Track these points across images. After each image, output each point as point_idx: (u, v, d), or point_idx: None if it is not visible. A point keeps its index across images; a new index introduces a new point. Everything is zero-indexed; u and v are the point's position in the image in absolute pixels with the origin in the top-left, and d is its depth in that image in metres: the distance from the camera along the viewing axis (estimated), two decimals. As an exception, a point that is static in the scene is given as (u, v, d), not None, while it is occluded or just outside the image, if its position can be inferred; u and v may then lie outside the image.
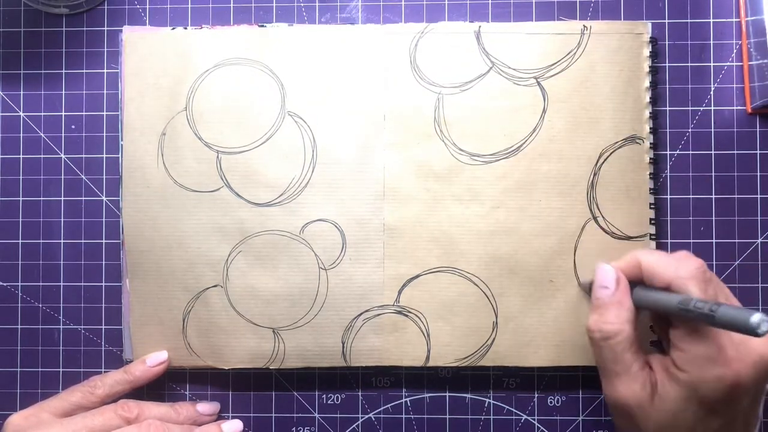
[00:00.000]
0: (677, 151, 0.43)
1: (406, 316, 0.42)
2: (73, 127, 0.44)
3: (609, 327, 0.36)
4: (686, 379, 0.34)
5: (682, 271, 0.34)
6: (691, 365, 0.34)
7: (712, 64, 0.43)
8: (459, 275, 0.42)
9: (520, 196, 0.42)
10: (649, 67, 0.42)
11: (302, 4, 0.44)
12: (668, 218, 0.43)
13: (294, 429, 0.44)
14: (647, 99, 0.42)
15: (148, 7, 0.44)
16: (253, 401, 0.44)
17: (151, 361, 0.42)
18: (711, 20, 0.44)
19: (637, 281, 0.37)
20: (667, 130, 0.43)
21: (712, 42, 0.43)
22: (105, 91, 0.44)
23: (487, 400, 0.44)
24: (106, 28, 0.44)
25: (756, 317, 0.29)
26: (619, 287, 0.37)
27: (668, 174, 0.43)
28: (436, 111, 0.42)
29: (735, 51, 0.43)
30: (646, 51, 0.42)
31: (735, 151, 0.43)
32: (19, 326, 0.44)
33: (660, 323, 0.39)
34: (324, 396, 0.44)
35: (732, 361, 0.33)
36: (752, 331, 0.29)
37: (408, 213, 0.42)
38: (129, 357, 0.43)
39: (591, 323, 0.37)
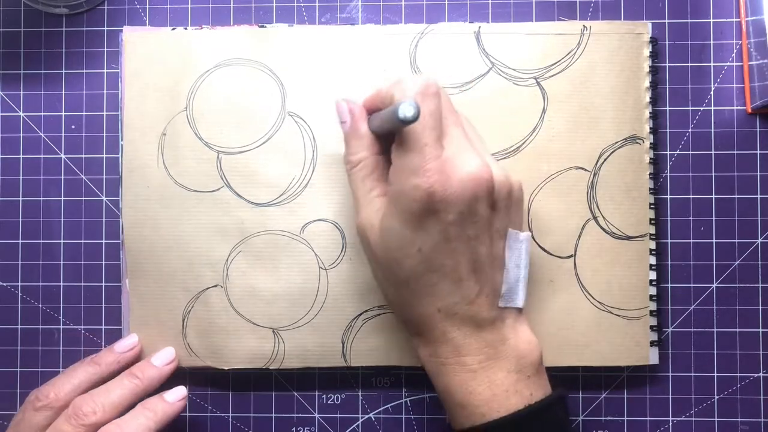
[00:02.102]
0: (677, 151, 0.43)
1: (406, 316, 0.42)
2: (73, 127, 0.44)
3: (353, 157, 0.36)
4: (392, 191, 0.34)
5: (405, 86, 0.34)
6: (396, 176, 0.34)
7: (712, 64, 0.43)
8: (459, 275, 0.42)
9: (520, 196, 0.42)
10: (649, 67, 0.42)
11: (302, 4, 0.44)
12: (668, 218, 0.43)
13: (294, 429, 0.44)
14: (647, 99, 0.42)
15: (148, 7, 0.44)
16: (253, 401, 0.44)
17: (159, 360, 0.41)
18: (711, 20, 0.44)
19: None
20: (667, 130, 0.43)
21: (712, 42, 0.43)
22: (105, 91, 0.44)
23: (487, 400, 0.44)
24: (106, 28, 0.44)
25: (403, 104, 0.30)
26: (354, 117, 0.37)
27: (668, 174, 0.43)
28: (436, 111, 0.42)
29: (735, 51, 0.43)
30: (646, 51, 0.42)
31: (735, 151, 0.43)
32: (19, 326, 0.44)
33: None
34: (324, 396, 0.44)
35: (431, 172, 0.32)
36: (398, 117, 0.30)
37: (408, 213, 0.42)
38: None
39: (343, 158, 0.37)
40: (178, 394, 0.40)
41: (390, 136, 0.35)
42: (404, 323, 0.37)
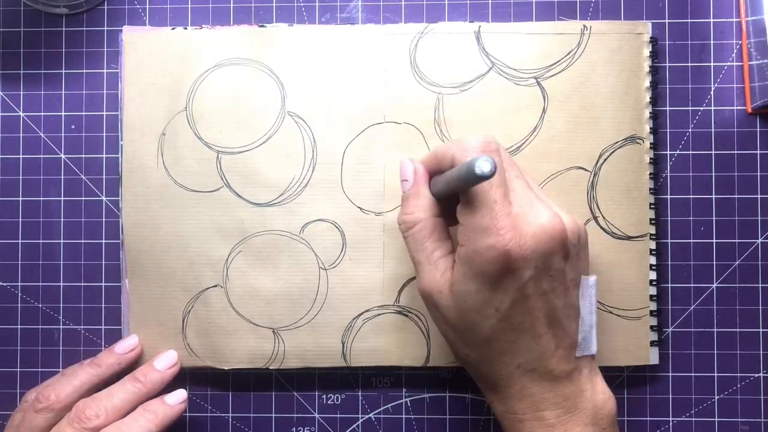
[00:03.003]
0: (677, 151, 0.43)
1: (406, 316, 0.42)
2: (73, 127, 0.44)
3: (409, 217, 0.36)
4: (463, 253, 0.33)
5: (465, 144, 0.34)
6: (467, 238, 0.33)
7: (712, 64, 0.43)
8: (459, 275, 0.42)
9: (520, 196, 0.42)
10: (649, 67, 0.42)
11: (302, 4, 0.44)
12: (668, 218, 0.43)
13: (294, 429, 0.44)
14: (647, 99, 0.42)
15: (148, 7, 0.44)
16: (253, 401, 0.44)
17: (162, 364, 0.41)
18: (711, 20, 0.44)
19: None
20: (667, 130, 0.43)
21: (712, 42, 0.43)
22: (105, 91, 0.44)
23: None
24: (106, 28, 0.44)
25: (480, 159, 0.29)
26: (417, 177, 0.36)
27: (668, 174, 0.43)
28: (436, 111, 0.42)
29: (735, 51, 0.43)
30: (646, 51, 0.42)
31: (735, 151, 0.43)
32: (19, 326, 0.44)
33: None
34: (324, 396, 0.44)
35: (504, 230, 0.32)
36: (475, 173, 0.29)
37: (408, 213, 0.42)
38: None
39: (398, 217, 0.37)
40: (178, 397, 0.40)
41: (448, 199, 0.35)
42: (479, 380, 0.36)
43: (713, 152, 0.43)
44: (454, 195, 0.35)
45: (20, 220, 0.44)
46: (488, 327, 0.33)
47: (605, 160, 0.42)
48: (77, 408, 0.37)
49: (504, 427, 0.36)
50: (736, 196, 0.43)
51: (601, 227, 0.42)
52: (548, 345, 0.34)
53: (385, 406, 0.44)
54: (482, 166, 0.29)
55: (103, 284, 0.44)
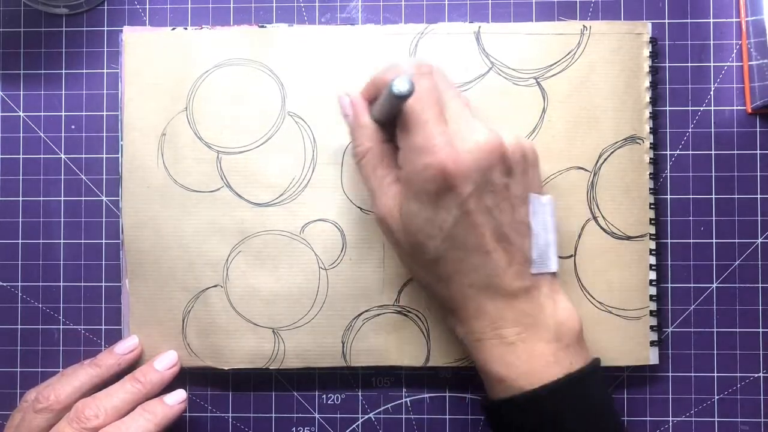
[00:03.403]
0: (677, 151, 0.43)
1: (406, 316, 0.42)
2: (73, 127, 0.44)
3: (358, 149, 0.36)
4: (404, 175, 0.34)
5: (399, 69, 0.34)
6: (405, 159, 0.33)
7: (712, 64, 0.43)
8: (459, 275, 0.42)
9: (520, 196, 0.42)
10: (649, 67, 0.42)
11: (302, 4, 0.44)
12: (668, 218, 0.43)
13: (294, 429, 0.44)
14: (647, 99, 0.42)
15: (148, 7, 0.44)
16: (253, 401, 0.44)
17: (162, 364, 0.41)
18: (711, 20, 0.44)
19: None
20: (667, 130, 0.43)
21: (712, 42, 0.43)
22: (105, 91, 0.44)
23: (487, 400, 0.44)
24: (106, 28, 0.44)
25: (397, 79, 0.29)
26: (356, 109, 0.37)
27: (668, 174, 0.43)
28: (436, 111, 0.42)
29: (735, 51, 0.43)
30: (646, 51, 0.42)
31: (735, 151, 0.43)
32: (19, 326, 0.44)
33: None
34: (324, 396, 0.44)
35: (438, 147, 0.32)
36: (392, 92, 0.30)
37: (408, 213, 0.42)
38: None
39: (351, 148, 0.37)
40: (177, 397, 0.40)
41: (394, 122, 0.35)
42: (439, 302, 0.37)
43: (713, 152, 0.43)
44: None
45: (20, 220, 0.44)
46: (434, 247, 0.34)
47: (605, 160, 0.42)
48: (77, 408, 0.37)
49: (466, 348, 0.36)
50: (736, 196, 0.43)
51: (601, 227, 0.42)
52: (499, 262, 0.33)
53: (385, 406, 0.44)
54: (399, 86, 0.30)
55: (103, 284, 0.44)
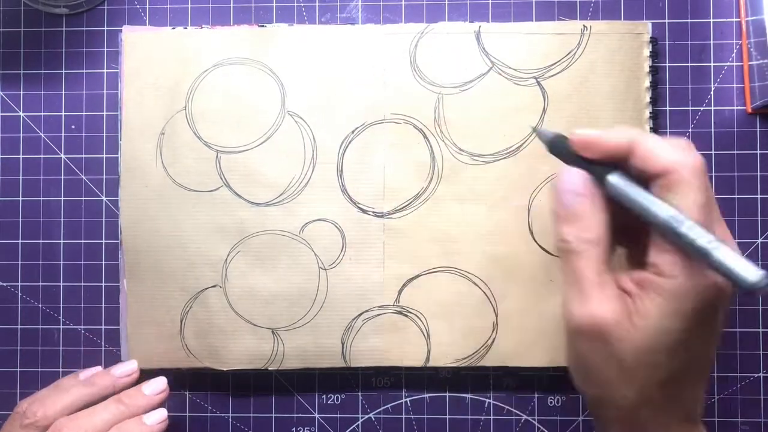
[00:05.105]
0: (677, 151, 0.43)
1: (406, 316, 0.42)
2: (73, 127, 0.44)
3: (588, 235, 0.29)
4: (673, 287, 0.28)
5: (682, 160, 0.28)
6: (682, 270, 0.28)
7: (712, 64, 0.43)
8: (459, 275, 0.42)
9: (520, 196, 0.42)
10: (649, 67, 0.42)
11: (302, 4, 0.44)
12: (668, 218, 0.43)
13: (294, 429, 0.44)
14: (647, 99, 0.42)
15: (148, 7, 0.44)
16: (253, 402, 0.44)
17: (150, 389, 0.40)
18: (711, 20, 0.44)
19: (610, 164, 0.30)
20: (667, 130, 0.43)
21: (712, 42, 0.43)
22: (105, 91, 0.44)
23: (487, 400, 0.44)
24: (106, 28, 0.44)
25: (757, 275, 0.24)
26: (588, 190, 0.30)
27: (668, 174, 0.43)
28: (436, 111, 0.42)
29: (735, 51, 0.43)
30: (646, 51, 0.42)
31: (735, 151, 0.43)
32: (19, 326, 0.44)
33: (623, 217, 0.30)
34: (324, 396, 0.44)
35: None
36: (748, 288, 0.24)
37: (408, 213, 0.42)
38: (126, 360, 0.42)
39: (565, 233, 0.30)
40: (158, 417, 0.39)
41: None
42: (616, 422, 0.32)
43: (713, 152, 0.43)
44: None
45: (20, 220, 0.44)
46: (673, 367, 0.29)
47: (605, 160, 0.42)
48: (56, 426, 0.37)
49: None
50: (736, 196, 0.43)
51: (601, 227, 0.42)
52: (704, 388, 0.31)
53: (385, 406, 0.44)
54: (756, 280, 0.24)
55: (102, 284, 0.44)
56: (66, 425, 0.37)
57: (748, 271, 0.24)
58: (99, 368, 0.42)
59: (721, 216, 0.30)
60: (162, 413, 0.39)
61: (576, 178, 0.31)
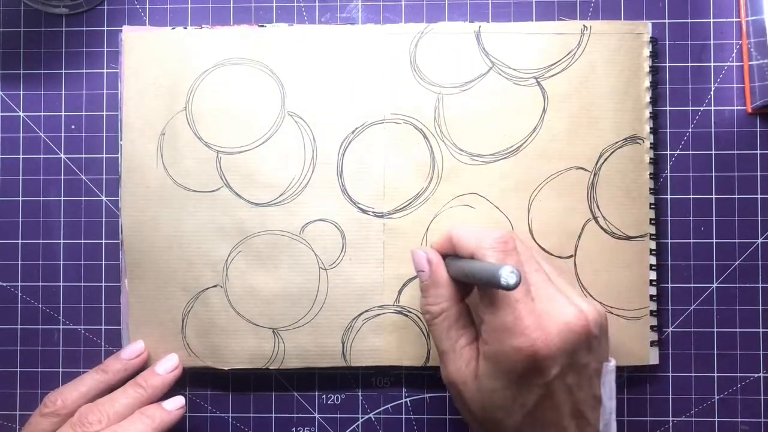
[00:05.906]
0: (677, 151, 0.43)
1: (406, 316, 0.42)
2: (73, 127, 0.44)
3: (433, 308, 0.35)
4: (489, 352, 0.33)
5: (483, 242, 0.34)
6: (492, 337, 0.33)
7: (712, 64, 0.43)
8: (459, 275, 0.42)
9: (520, 196, 0.42)
10: (649, 67, 0.42)
11: (302, 4, 0.44)
12: (668, 218, 0.43)
13: (294, 429, 0.44)
14: (647, 99, 0.42)
15: (147, 7, 0.44)
16: (253, 402, 0.44)
17: (163, 368, 0.41)
18: (711, 20, 0.44)
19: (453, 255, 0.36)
20: (667, 130, 0.43)
21: (712, 42, 0.43)
22: (105, 91, 0.44)
23: (487, 400, 0.44)
24: (105, 28, 0.44)
25: (504, 270, 0.29)
26: (433, 267, 0.36)
27: (668, 174, 0.43)
28: (436, 111, 0.42)
29: (735, 51, 0.43)
30: (646, 51, 0.42)
31: (735, 151, 0.43)
32: (19, 326, 0.44)
33: None
34: (324, 396, 0.44)
35: (529, 329, 0.31)
36: (500, 284, 0.29)
37: (408, 213, 0.42)
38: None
39: (420, 306, 0.37)
40: (176, 402, 0.40)
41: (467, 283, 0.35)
42: None
43: (713, 152, 0.43)
44: None
45: (20, 220, 0.44)
46: (513, 422, 0.33)
47: (605, 160, 0.42)
48: (80, 413, 0.38)
49: None
50: (736, 196, 0.43)
51: (601, 227, 0.42)
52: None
53: (385, 406, 0.44)
54: (508, 279, 0.29)
55: (103, 284, 0.44)
56: (91, 411, 0.38)
57: (495, 270, 0.30)
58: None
59: (541, 260, 0.36)
60: (180, 400, 0.40)
61: (418, 258, 0.37)
